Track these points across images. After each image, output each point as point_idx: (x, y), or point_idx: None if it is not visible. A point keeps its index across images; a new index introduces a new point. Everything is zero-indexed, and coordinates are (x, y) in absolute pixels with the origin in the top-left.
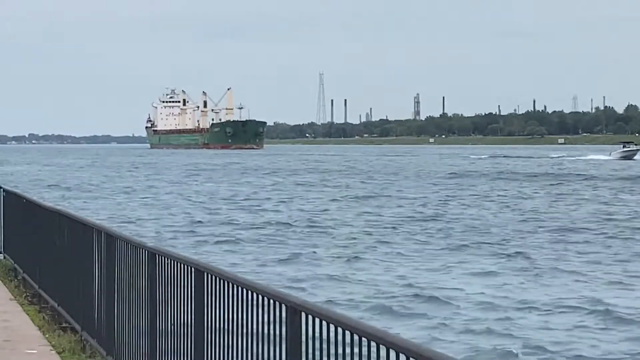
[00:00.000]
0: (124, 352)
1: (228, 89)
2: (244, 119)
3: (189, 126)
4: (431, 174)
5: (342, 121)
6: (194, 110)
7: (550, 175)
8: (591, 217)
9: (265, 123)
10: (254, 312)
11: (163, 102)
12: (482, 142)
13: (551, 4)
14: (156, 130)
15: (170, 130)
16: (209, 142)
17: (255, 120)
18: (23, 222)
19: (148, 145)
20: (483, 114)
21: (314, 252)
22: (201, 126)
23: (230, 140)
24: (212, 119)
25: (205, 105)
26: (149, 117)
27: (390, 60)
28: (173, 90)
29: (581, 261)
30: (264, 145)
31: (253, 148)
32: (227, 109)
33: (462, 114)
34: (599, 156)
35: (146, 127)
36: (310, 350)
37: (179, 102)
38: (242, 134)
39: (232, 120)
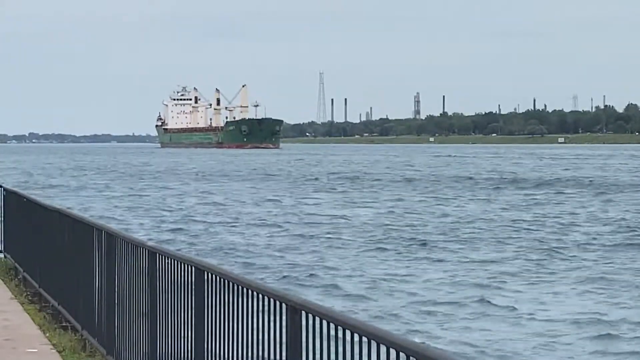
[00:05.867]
0: (124, 351)
1: (243, 86)
2: (259, 117)
3: (201, 124)
4: None
5: (343, 120)
6: (206, 108)
7: None
8: None
9: (282, 122)
10: (254, 311)
11: (174, 99)
12: (482, 142)
13: (551, 4)
14: (167, 129)
15: (182, 128)
16: (223, 141)
17: (271, 118)
18: (23, 221)
19: (157, 144)
20: (483, 113)
21: None
22: (214, 124)
23: (245, 139)
24: (226, 117)
25: (218, 103)
26: (159, 116)
27: (390, 59)
28: (184, 88)
29: None
30: (280, 145)
31: (269, 147)
32: (241, 106)
33: (462, 113)
34: None
35: (156, 126)
36: (310, 350)
37: (191, 99)
38: (258, 132)
39: (247, 118)
